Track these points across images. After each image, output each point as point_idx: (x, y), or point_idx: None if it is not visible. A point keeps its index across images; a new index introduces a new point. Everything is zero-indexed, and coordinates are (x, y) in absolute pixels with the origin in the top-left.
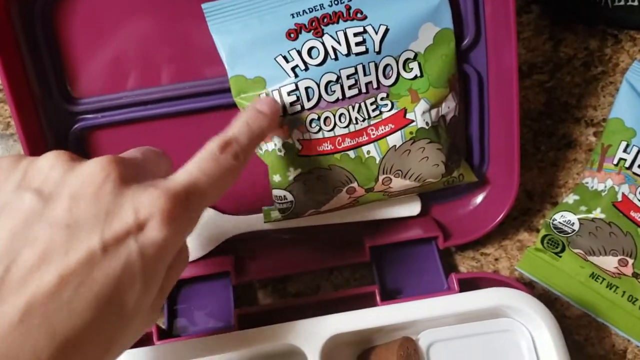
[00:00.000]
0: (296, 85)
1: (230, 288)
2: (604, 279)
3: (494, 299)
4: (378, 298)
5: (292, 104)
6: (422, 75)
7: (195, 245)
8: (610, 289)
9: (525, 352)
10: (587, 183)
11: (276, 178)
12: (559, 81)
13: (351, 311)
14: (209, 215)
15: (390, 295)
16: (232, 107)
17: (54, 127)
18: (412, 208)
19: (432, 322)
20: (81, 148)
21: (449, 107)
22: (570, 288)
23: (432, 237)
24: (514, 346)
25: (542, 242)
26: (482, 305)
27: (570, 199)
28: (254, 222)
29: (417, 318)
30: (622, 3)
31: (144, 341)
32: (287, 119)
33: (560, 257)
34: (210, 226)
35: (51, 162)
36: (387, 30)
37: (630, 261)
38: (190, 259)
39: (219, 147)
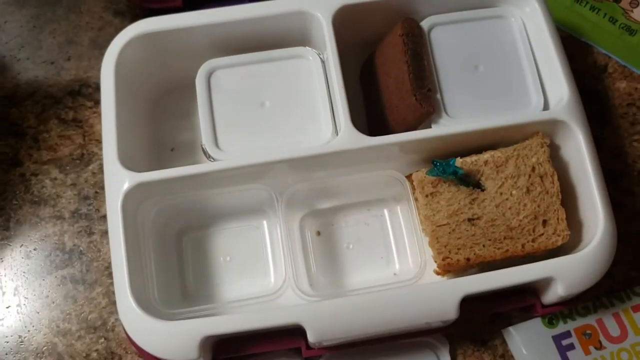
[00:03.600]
0: None
1: None
2: (587, 2)
3: None
4: None
5: None
6: None
7: None
8: (593, 11)
9: (517, 34)
10: None
11: None
12: None
13: None
14: None
15: None
16: None
17: None
18: None
19: (433, 6)
20: None
21: None
22: (557, 13)
23: None
24: (508, 31)
25: None
26: None
27: None
28: None
29: None
30: None
31: None
32: None
33: None
34: None
35: None
36: None
37: None
38: None
39: None
